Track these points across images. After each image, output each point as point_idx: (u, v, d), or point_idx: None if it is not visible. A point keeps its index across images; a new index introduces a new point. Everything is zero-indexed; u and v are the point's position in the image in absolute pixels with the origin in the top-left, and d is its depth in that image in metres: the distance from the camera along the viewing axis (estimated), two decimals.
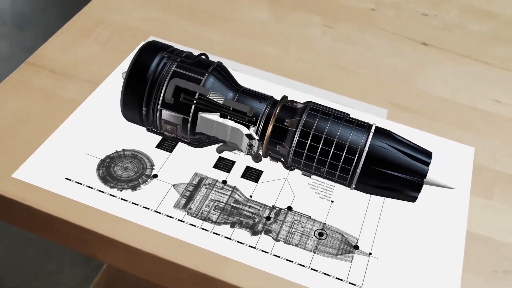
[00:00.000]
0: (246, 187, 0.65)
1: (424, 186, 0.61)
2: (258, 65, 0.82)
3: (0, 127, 0.69)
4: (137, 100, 0.63)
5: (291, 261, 0.59)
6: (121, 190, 0.63)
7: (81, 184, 0.63)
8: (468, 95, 0.83)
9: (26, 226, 0.67)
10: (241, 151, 0.64)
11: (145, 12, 0.89)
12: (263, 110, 0.62)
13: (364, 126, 0.62)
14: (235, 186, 0.65)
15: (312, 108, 0.62)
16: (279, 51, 0.85)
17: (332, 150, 0.60)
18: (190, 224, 0.61)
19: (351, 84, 0.81)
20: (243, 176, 0.66)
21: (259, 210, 0.63)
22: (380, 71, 0.84)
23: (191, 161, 0.67)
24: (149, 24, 0.87)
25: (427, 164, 0.60)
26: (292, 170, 0.66)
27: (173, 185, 0.64)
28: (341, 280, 0.58)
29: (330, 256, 0.60)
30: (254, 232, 0.61)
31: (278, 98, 0.65)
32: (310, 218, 0.63)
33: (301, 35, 0.89)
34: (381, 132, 0.61)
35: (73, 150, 0.67)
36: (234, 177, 0.66)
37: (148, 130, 0.67)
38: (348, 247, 0.61)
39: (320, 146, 0.60)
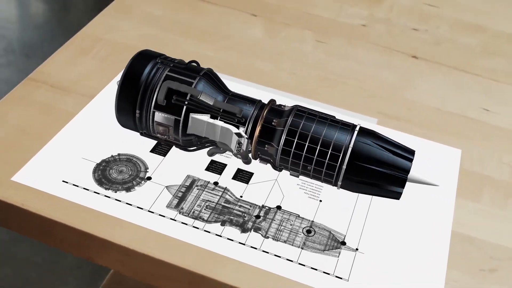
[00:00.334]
0: (237, 188, 0.67)
1: (410, 186, 0.63)
2: (251, 79, 0.84)
3: (1, 137, 0.72)
4: (131, 104, 0.65)
5: (279, 257, 0.61)
6: (115, 192, 0.65)
7: (77, 186, 0.65)
8: (457, 104, 0.85)
9: (24, 229, 0.68)
10: (231, 151, 0.66)
11: (142, 30, 0.93)
12: (251, 112, 0.65)
13: (349, 126, 0.64)
14: (226, 187, 0.67)
15: (299, 110, 0.65)
16: (272, 65, 0.88)
17: (318, 147, 0.62)
18: (182, 223, 0.63)
19: (341, 96, 0.84)
20: (234, 177, 0.68)
21: (249, 209, 0.65)
22: (370, 83, 0.87)
23: (184, 165, 0.69)
24: (146, 41, 0.90)
25: (410, 160, 0.62)
26: (280, 170, 0.68)
27: (166, 187, 0.66)
28: (328, 274, 0.60)
29: (317, 252, 0.62)
30: (244, 230, 0.63)
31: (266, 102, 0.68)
32: (299, 216, 0.65)
33: (293, 50, 0.92)
34: (365, 131, 0.64)
35: (70, 155, 0.69)
36: (226, 179, 0.68)
37: (141, 134, 0.69)
38: (335, 243, 0.63)
39: (307, 144, 0.62)
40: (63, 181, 0.66)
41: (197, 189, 0.67)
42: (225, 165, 0.70)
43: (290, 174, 0.67)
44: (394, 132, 0.77)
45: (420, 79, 0.89)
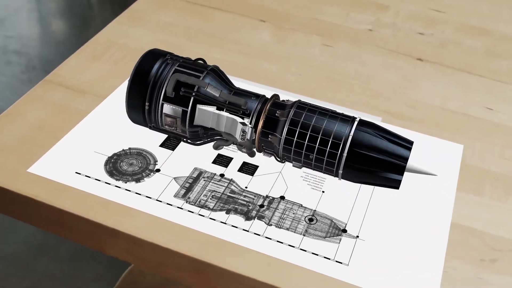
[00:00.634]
0: (242, 180, 0.70)
1: (410, 178, 0.64)
2: (258, 80, 0.87)
3: (18, 134, 0.75)
4: (141, 98, 0.68)
5: (282, 242, 0.63)
6: (125, 182, 0.68)
7: (89, 177, 0.68)
8: (460, 103, 0.86)
9: (38, 220, 0.71)
10: (236, 141, 0.69)
11: (153, 36, 0.96)
12: (256, 105, 0.67)
13: (349, 118, 0.66)
14: (231, 179, 0.70)
15: (301, 102, 0.67)
16: (279, 67, 0.91)
17: (320, 136, 0.64)
18: (188, 211, 0.65)
19: (347, 95, 0.86)
20: (240, 170, 0.71)
21: (253, 199, 0.67)
22: (375, 84, 0.89)
23: (191, 158, 0.72)
24: (157, 46, 0.92)
25: (409, 148, 0.64)
26: (283, 162, 0.71)
27: (174, 178, 0.69)
28: (329, 259, 0.62)
29: (319, 239, 0.64)
30: (248, 218, 0.65)
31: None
32: (302, 206, 0.67)
33: (300, 53, 0.94)
34: (365, 122, 0.66)
35: (83, 149, 0.72)
36: (232, 171, 0.71)
37: (150, 127, 0.72)
38: (336, 231, 0.64)
39: (309, 133, 0.64)
40: (76, 172, 0.69)
41: (204, 180, 0.69)
42: (231, 158, 0.72)
43: (293, 166, 0.69)
44: (397, 128, 0.79)
45: (424, 80, 0.91)
